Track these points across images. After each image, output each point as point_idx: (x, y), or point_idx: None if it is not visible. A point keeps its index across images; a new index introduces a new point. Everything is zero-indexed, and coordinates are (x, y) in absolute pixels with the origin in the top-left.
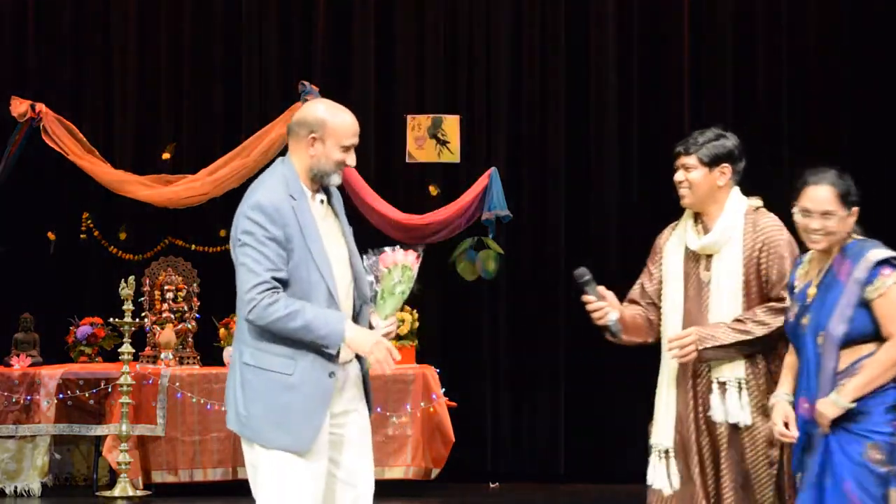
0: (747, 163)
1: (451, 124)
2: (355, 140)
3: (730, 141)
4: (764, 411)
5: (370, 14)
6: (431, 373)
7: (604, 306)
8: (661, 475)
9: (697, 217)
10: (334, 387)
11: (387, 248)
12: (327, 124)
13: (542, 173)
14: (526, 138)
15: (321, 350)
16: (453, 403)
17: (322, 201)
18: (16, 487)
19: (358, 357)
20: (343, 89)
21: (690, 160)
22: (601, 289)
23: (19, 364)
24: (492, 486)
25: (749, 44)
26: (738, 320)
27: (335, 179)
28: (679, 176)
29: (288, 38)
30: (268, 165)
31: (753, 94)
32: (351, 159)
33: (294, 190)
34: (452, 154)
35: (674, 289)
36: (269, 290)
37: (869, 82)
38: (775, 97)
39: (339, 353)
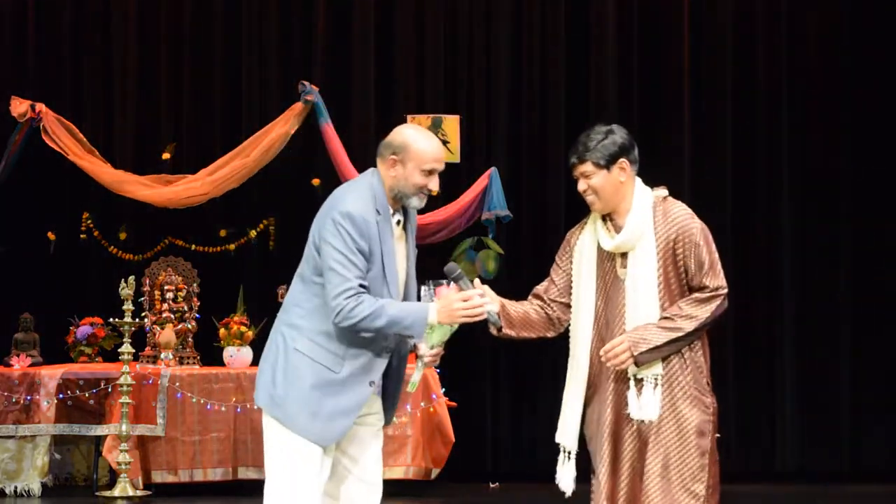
0: (747, 162)
1: (451, 124)
2: (437, 165)
3: (618, 135)
4: (693, 401)
5: (370, 14)
6: (431, 373)
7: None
8: (567, 476)
9: (606, 215)
10: (370, 395)
11: (443, 282)
12: (410, 148)
13: (542, 173)
14: (526, 138)
15: (371, 359)
16: (453, 403)
17: (399, 222)
18: (16, 487)
19: (386, 373)
20: (343, 89)
21: (587, 167)
22: (476, 283)
23: (19, 364)
24: (492, 486)
25: (749, 44)
26: (665, 318)
27: (414, 202)
28: (581, 186)
29: (288, 38)
30: (268, 166)
31: (753, 94)
32: (433, 184)
33: (380, 205)
34: (452, 154)
35: (586, 289)
36: (353, 294)
37: (869, 82)
38: (775, 97)
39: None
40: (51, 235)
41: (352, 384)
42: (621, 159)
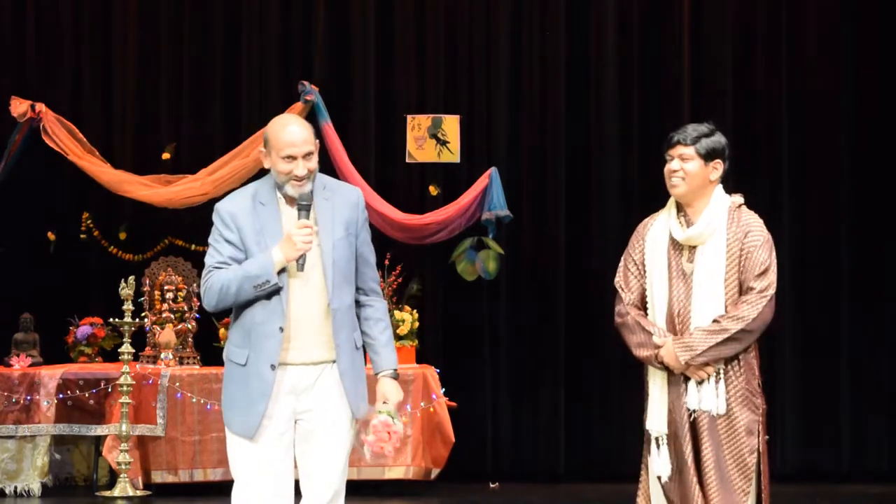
0: (746, 163)
1: (451, 124)
2: (292, 150)
3: (723, 139)
4: (744, 401)
5: (370, 14)
6: (431, 373)
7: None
8: (657, 461)
9: (680, 209)
10: (274, 380)
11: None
12: (269, 139)
13: (542, 173)
14: (526, 138)
15: (265, 342)
16: (453, 404)
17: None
18: (16, 487)
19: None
20: (343, 89)
21: (688, 151)
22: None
23: (19, 364)
24: (492, 486)
25: (749, 44)
26: (714, 321)
27: (288, 190)
28: (675, 165)
29: (288, 38)
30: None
31: (753, 94)
32: (298, 169)
33: (264, 197)
34: (452, 154)
35: (659, 278)
36: (207, 274)
37: (869, 82)
38: (775, 97)
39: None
40: (51, 235)
41: (254, 371)
42: (718, 160)
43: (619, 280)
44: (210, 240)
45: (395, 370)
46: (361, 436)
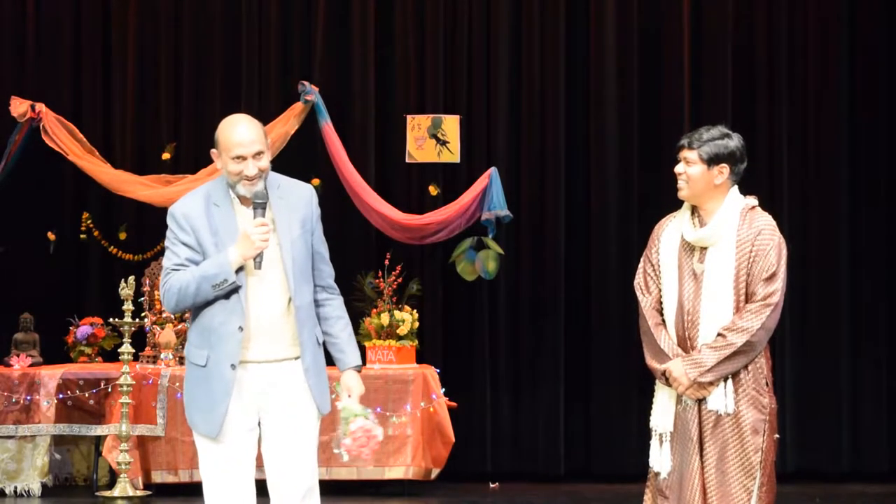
0: (747, 162)
1: (451, 124)
2: (242, 150)
3: (733, 142)
4: (750, 401)
5: (370, 14)
6: (431, 373)
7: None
8: (658, 458)
9: (694, 210)
10: (235, 379)
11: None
12: (219, 141)
13: (542, 173)
14: (526, 138)
15: (225, 342)
16: (453, 404)
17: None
18: (16, 487)
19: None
20: (343, 89)
21: (692, 155)
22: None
23: (19, 364)
24: (492, 486)
25: (749, 44)
26: (719, 335)
27: (240, 190)
28: (679, 168)
29: (288, 38)
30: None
31: (754, 93)
32: (248, 169)
33: (217, 198)
34: (452, 154)
35: (670, 278)
36: (165, 276)
37: (869, 81)
38: (775, 97)
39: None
40: (51, 235)
41: (215, 371)
42: (724, 164)
43: (638, 282)
44: (166, 243)
45: (360, 365)
46: (340, 439)
